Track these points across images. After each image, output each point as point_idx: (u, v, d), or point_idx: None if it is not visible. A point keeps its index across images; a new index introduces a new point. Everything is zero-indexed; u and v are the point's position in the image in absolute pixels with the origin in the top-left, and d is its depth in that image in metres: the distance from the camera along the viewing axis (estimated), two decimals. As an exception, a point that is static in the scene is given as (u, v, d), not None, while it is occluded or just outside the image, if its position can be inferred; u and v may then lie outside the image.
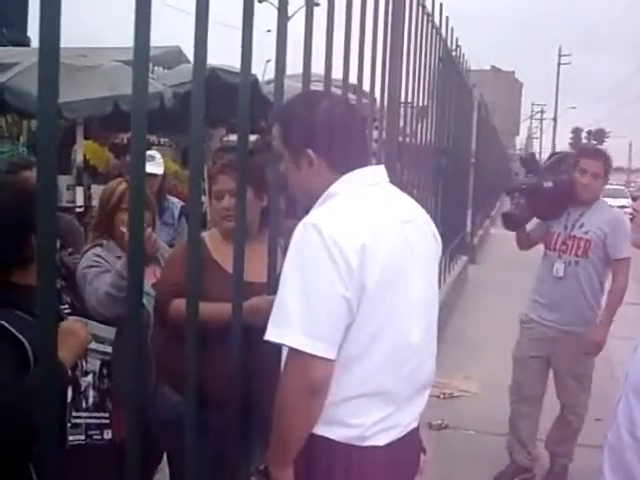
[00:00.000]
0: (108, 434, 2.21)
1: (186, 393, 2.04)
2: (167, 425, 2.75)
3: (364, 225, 1.80)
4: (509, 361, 6.59)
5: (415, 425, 2.05)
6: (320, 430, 1.85)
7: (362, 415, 1.86)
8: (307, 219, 1.83)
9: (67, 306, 2.30)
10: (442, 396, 5.62)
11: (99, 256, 3.08)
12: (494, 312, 8.72)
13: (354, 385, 1.84)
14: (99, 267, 3.03)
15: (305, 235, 1.78)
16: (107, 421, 2.22)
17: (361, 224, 1.80)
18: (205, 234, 2.88)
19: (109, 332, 2.33)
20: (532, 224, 4.69)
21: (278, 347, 1.88)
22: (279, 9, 2.40)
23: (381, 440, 1.89)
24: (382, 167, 2.05)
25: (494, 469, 4.45)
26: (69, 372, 2.02)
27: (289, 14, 2.48)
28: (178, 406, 2.65)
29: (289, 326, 1.73)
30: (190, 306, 1.99)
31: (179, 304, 2.54)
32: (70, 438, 2.08)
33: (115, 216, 3.13)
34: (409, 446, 2.03)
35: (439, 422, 5.05)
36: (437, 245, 2.12)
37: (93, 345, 2.15)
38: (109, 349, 2.28)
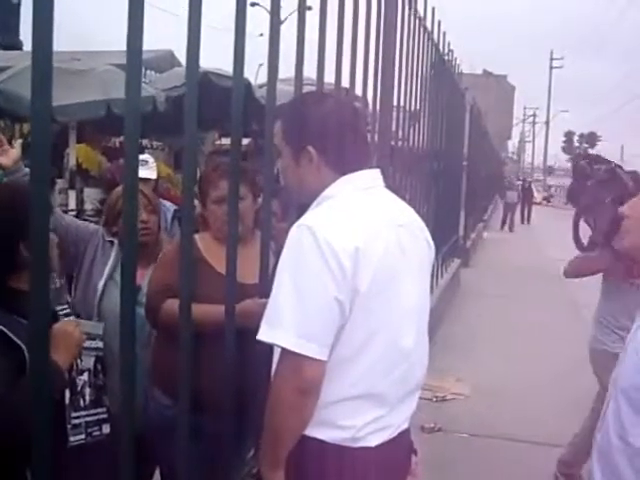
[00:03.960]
0: (107, 428, 2.23)
1: (180, 399, 2.03)
2: (158, 430, 2.75)
3: (358, 228, 1.81)
4: (501, 364, 6.66)
5: (406, 426, 2.06)
6: (311, 431, 1.85)
7: (353, 417, 1.87)
8: (301, 221, 1.83)
9: (66, 306, 2.30)
10: (434, 399, 5.63)
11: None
12: (486, 315, 8.77)
13: (346, 387, 1.85)
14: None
15: (299, 237, 1.79)
16: (105, 416, 2.24)
17: (355, 227, 1.81)
18: (196, 236, 2.88)
19: (99, 328, 2.36)
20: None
21: (271, 349, 1.89)
22: (271, 13, 2.41)
23: (372, 441, 1.90)
24: (378, 171, 2.05)
25: (487, 472, 4.46)
26: (66, 374, 2.04)
27: (281, 18, 2.49)
28: (169, 409, 2.66)
29: (281, 327, 1.74)
30: (183, 308, 1.99)
31: (171, 305, 2.55)
32: (71, 439, 2.10)
33: (120, 218, 3.18)
34: (400, 447, 2.04)
35: (432, 425, 5.06)
36: (430, 250, 2.12)
37: (86, 343, 2.16)
38: (101, 344, 2.30)
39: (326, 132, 1.93)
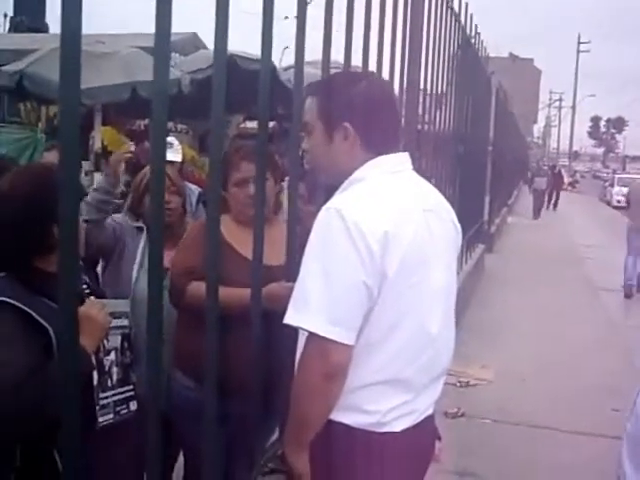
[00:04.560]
0: (134, 405, 2.22)
1: (206, 383, 2.02)
2: (180, 411, 2.76)
3: (387, 212, 1.79)
4: (525, 350, 6.63)
5: (431, 412, 2.05)
6: (337, 416, 1.85)
7: (379, 401, 1.86)
8: (330, 204, 1.82)
9: (86, 286, 2.31)
10: (458, 384, 5.62)
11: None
12: (511, 301, 8.72)
13: (372, 372, 1.84)
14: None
15: (328, 220, 1.77)
16: (132, 393, 2.23)
17: (384, 211, 1.79)
18: None
19: (125, 305, 2.34)
20: None
21: (296, 331, 1.89)
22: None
23: (397, 426, 1.89)
24: (407, 154, 2.03)
25: (509, 458, 4.44)
26: (92, 356, 2.04)
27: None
28: (191, 391, 2.66)
29: (308, 310, 1.73)
30: (210, 292, 1.98)
31: (197, 287, 2.55)
32: (100, 420, 2.10)
33: (144, 199, 3.24)
34: (424, 433, 2.03)
35: (455, 410, 5.05)
36: (457, 234, 2.11)
37: (112, 322, 2.15)
38: (126, 322, 2.29)
39: (364, 109, 1.91)
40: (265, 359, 2.36)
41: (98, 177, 7.95)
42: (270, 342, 2.35)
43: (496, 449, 4.60)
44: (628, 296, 9.72)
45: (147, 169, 3.28)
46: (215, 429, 2.07)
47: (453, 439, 4.33)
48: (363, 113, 1.91)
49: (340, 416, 1.85)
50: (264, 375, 2.36)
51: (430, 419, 2.06)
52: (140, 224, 3.24)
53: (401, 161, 1.99)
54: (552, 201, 26.09)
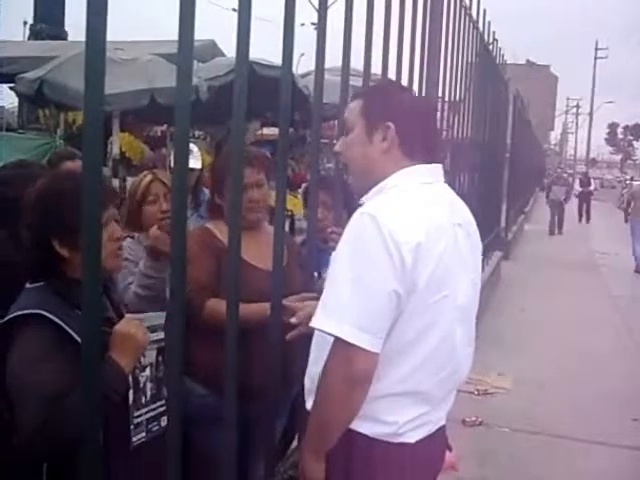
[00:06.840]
0: (164, 421, 2.13)
1: (226, 394, 2.00)
2: (193, 417, 2.75)
3: (421, 224, 1.78)
4: (542, 358, 6.58)
5: (443, 422, 2.05)
6: (353, 424, 1.84)
7: (397, 413, 1.86)
8: (365, 209, 1.80)
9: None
10: (476, 393, 5.58)
11: (130, 249, 3.06)
12: (528, 309, 8.68)
13: (394, 383, 1.83)
14: (131, 262, 3.03)
15: (363, 225, 1.75)
16: (163, 409, 2.14)
17: (418, 222, 1.77)
18: (209, 224, 2.85)
19: (161, 317, 2.20)
20: None
21: (309, 339, 1.88)
22: (319, 4, 2.40)
23: (412, 437, 1.89)
24: (440, 166, 2.00)
25: (527, 467, 4.41)
26: (129, 376, 1.97)
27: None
28: (202, 399, 2.65)
29: (337, 315, 1.72)
30: (230, 306, 1.97)
31: (216, 305, 2.54)
32: (133, 439, 2.03)
33: (142, 209, 3.16)
34: (436, 443, 2.02)
35: (473, 419, 5.02)
36: (479, 251, 2.09)
37: (150, 337, 2.05)
38: (162, 335, 2.16)
39: (411, 114, 1.92)
40: (281, 363, 2.35)
41: (116, 183, 8.00)
42: (285, 346, 2.34)
43: (514, 458, 4.56)
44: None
45: (142, 178, 3.23)
46: (232, 436, 2.05)
47: (471, 448, 4.31)
48: (409, 117, 1.91)
49: (356, 425, 1.83)
50: (280, 379, 2.35)
51: (442, 429, 2.05)
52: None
53: (434, 173, 1.97)
54: (583, 212, 23.59)
